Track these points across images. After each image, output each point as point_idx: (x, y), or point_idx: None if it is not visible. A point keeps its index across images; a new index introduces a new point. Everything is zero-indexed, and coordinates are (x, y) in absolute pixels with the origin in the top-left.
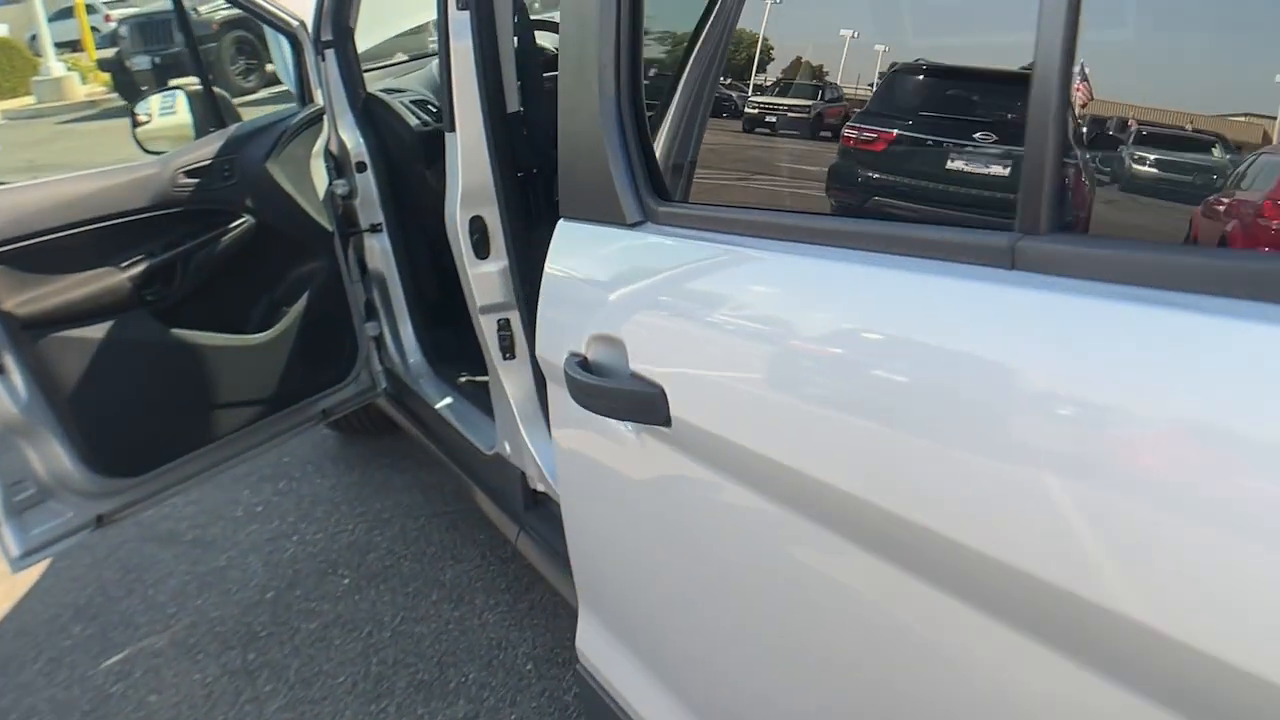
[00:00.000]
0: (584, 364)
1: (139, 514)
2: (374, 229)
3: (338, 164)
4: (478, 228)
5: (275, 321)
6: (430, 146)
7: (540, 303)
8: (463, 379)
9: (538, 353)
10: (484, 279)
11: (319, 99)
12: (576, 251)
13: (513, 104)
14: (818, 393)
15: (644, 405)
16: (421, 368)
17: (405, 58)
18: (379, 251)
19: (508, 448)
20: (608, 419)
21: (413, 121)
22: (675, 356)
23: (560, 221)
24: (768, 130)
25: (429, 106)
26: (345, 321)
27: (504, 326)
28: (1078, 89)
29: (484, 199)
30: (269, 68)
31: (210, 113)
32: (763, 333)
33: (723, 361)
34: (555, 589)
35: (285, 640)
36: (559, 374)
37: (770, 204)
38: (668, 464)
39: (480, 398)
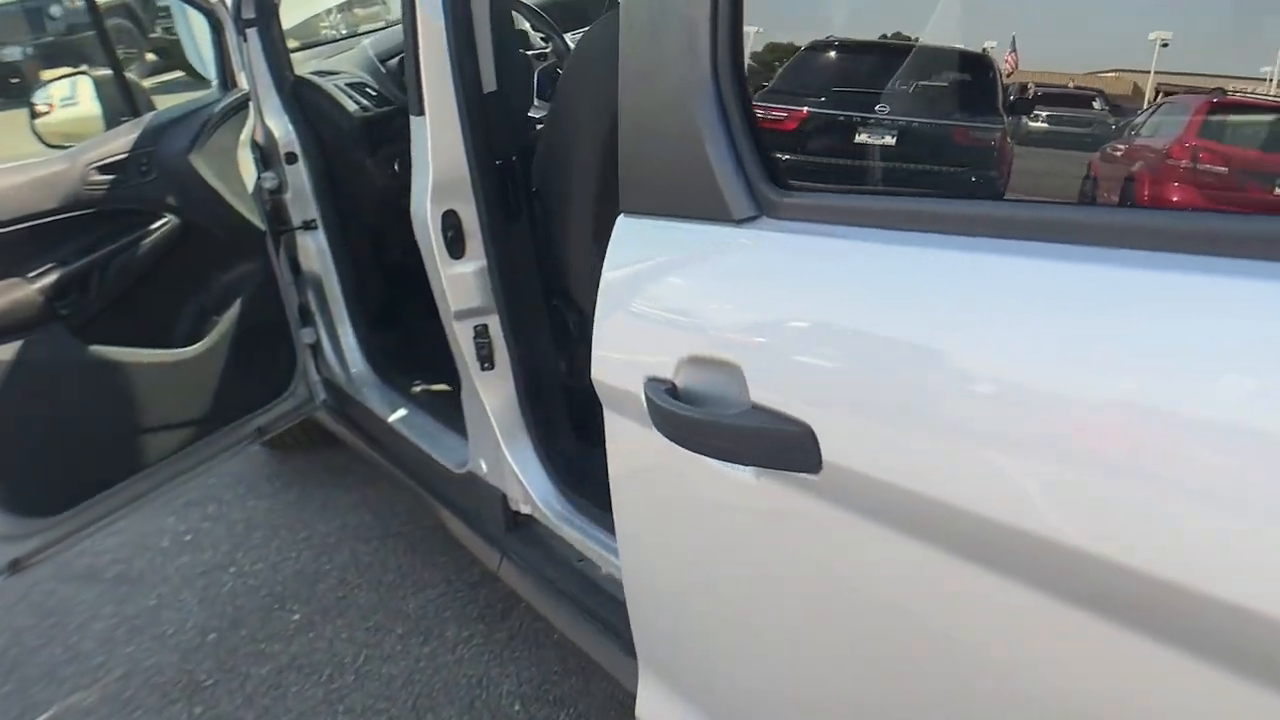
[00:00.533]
0: (672, 392)
1: (57, 556)
2: (307, 225)
3: (264, 155)
4: (451, 224)
5: (205, 333)
6: (372, 133)
7: (598, 317)
8: (417, 388)
9: (594, 377)
10: (459, 281)
11: (243, 83)
12: (653, 255)
13: (489, 83)
14: (1051, 434)
15: (782, 447)
16: (365, 377)
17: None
18: (314, 251)
19: (484, 466)
20: (711, 460)
21: (350, 106)
22: (827, 387)
23: (621, 218)
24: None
25: (367, 90)
26: (282, 330)
27: (481, 333)
28: (1007, 60)
29: (458, 191)
30: (149, 57)
31: (122, 101)
32: (968, 356)
33: (900, 394)
34: (541, 616)
35: (235, 689)
36: (629, 402)
37: (967, 193)
38: (810, 518)
39: (440, 409)
